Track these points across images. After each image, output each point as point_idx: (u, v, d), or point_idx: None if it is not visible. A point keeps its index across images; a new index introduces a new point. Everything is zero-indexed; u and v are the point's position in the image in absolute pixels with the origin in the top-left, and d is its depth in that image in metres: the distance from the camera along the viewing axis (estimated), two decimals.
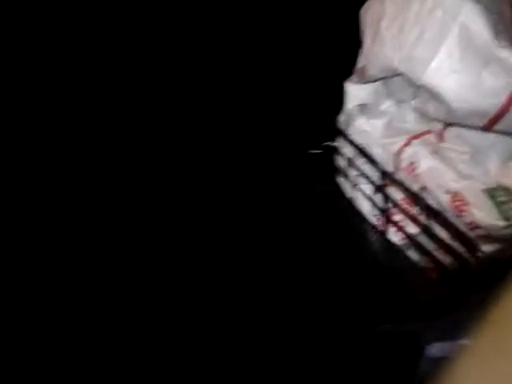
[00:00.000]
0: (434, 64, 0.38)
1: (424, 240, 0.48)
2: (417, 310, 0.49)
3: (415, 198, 0.46)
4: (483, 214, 0.42)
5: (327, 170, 0.64)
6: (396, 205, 0.49)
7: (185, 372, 0.47)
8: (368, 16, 0.45)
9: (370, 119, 0.50)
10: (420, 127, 0.47)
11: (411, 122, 0.47)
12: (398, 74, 0.43)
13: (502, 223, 0.41)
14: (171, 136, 0.66)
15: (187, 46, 0.67)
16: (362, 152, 0.49)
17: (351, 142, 0.52)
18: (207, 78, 0.67)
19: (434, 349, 0.38)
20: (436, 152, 0.45)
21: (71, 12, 0.63)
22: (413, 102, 0.44)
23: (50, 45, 0.63)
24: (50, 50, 0.64)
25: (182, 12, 0.66)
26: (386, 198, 0.49)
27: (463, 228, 0.43)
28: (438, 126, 0.44)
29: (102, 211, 0.61)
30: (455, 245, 0.44)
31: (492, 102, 0.37)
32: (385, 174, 0.47)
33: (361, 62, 0.48)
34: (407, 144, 0.47)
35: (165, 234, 0.58)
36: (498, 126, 0.38)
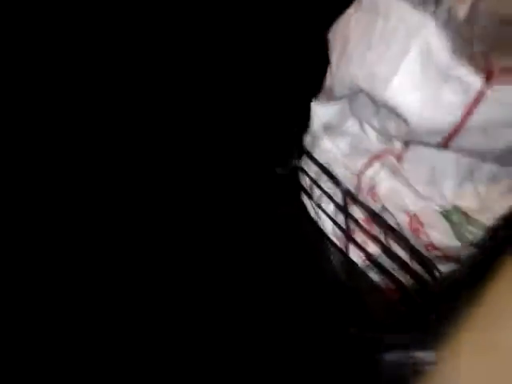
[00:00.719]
0: (395, 81, 0.39)
1: (385, 260, 0.48)
2: (376, 331, 0.48)
3: (376, 218, 0.46)
4: (440, 236, 0.43)
5: (293, 191, 0.64)
6: (357, 224, 0.49)
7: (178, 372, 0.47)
8: (335, 36, 0.46)
9: (334, 139, 0.50)
10: (381, 147, 0.48)
11: (373, 142, 0.48)
12: (362, 92, 0.43)
13: (457, 244, 0.41)
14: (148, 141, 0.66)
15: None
16: (325, 171, 0.50)
17: (315, 162, 0.52)
18: (173, 97, 0.67)
19: (394, 355, 0.38)
20: (396, 172, 0.45)
21: (71, 11, 0.63)
22: (374, 121, 0.45)
23: (50, 44, 0.63)
24: (50, 49, 0.63)
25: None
26: (348, 217, 0.49)
27: (422, 249, 0.44)
28: (398, 146, 0.45)
29: (98, 211, 0.60)
30: (414, 265, 0.44)
31: (448, 120, 0.37)
32: (346, 194, 0.47)
33: (328, 80, 0.49)
34: (368, 164, 0.47)
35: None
36: (453, 143, 0.39)
